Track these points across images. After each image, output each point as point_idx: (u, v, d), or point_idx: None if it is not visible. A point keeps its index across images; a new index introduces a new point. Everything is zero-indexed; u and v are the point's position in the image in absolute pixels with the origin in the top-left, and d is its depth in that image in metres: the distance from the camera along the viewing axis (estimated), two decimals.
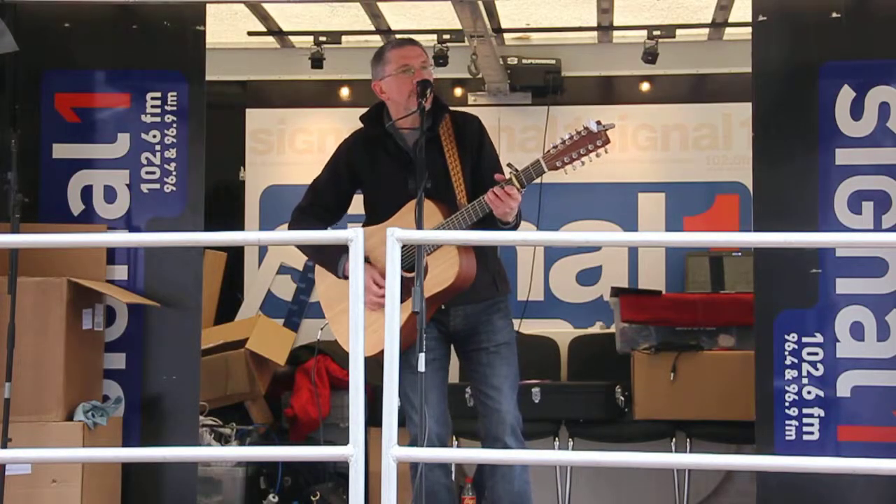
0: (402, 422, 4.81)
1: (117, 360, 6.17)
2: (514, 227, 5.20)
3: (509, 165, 5.12)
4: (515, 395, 5.31)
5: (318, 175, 5.52)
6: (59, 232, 5.85)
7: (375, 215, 5.33)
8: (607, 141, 5.00)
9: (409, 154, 5.26)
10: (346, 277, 5.10)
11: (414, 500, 4.85)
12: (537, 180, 5.11)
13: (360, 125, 5.51)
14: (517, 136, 8.23)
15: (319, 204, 5.45)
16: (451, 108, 5.42)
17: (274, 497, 7.30)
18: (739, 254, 7.68)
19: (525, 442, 5.37)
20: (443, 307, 5.24)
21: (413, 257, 4.89)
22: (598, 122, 5.01)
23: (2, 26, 5.89)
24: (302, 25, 7.96)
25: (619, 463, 5.23)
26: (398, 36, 7.87)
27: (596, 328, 8.04)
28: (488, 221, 5.13)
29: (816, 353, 5.93)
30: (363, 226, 5.34)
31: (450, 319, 5.30)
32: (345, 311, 5.18)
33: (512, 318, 5.47)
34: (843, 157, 5.98)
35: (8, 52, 5.96)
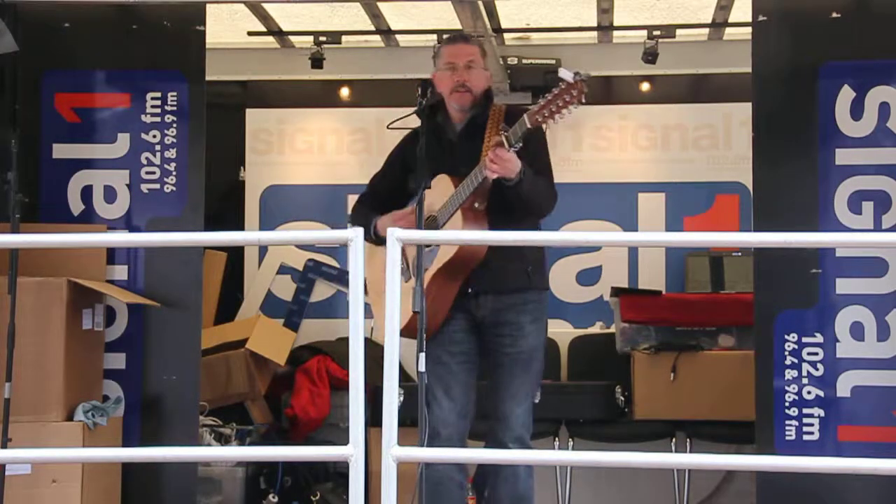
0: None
1: (117, 360, 6.17)
2: (519, 185, 5.15)
3: (500, 130, 5.16)
4: (530, 401, 5.29)
5: (379, 169, 5.68)
6: (59, 232, 5.84)
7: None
8: (582, 91, 4.98)
9: (454, 142, 5.35)
10: (377, 237, 5.22)
11: (418, 494, 4.85)
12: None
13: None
14: None
15: (375, 195, 5.58)
16: (510, 104, 5.49)
17: (274, 497, 7.30)
18: (739, 254, 7.68)
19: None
20: (469, 290, 5.24)
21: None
22: (575, 73, 5.01)
23: (2, 26, 5.89)
24: (302, 25, 7.96)
25: (619, 463, 5.24)
26: (399, 34, 7.91)
27: (596, 328, 8.04)
28: (498, 188, 5.15)
29: (816, 353, 5.93)
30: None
31: (479, 307, 5.28)
32: (380, 295, 5.30)
33: (546, 317, 5.45)
34: (843, 157, 5.97)
35: (8, 53, 5.96)
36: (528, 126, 5.03)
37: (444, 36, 5.67)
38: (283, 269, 8.37)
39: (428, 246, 5.14)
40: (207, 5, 6.32)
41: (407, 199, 5.43)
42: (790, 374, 5.93)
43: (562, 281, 8.15)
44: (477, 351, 5.34)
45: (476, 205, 5.19)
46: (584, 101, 5.01)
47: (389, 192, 5.53)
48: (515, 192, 5.14)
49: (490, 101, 5.44)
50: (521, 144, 5.06)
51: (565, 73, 4.99)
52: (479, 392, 5.39)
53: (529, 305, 5.32)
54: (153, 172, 6.26)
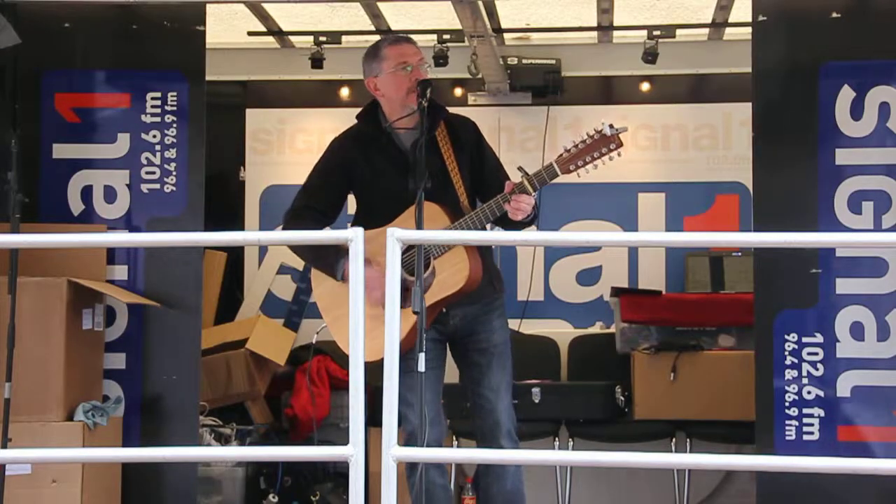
0: (398, 421, 4.80)
1: (117, 360, 6.17)
2: (532, 221, 5.18)
3: (520, 169, 5.09)
4: (510, 395, 5.29)
5: (309, 176, 5.43)
6: (59, 232, 5.85)
7: (371, 218, 5.14)
8: (620, 144, 5.01)
9: (407, 155, 5.20)
10: (345, 280, 5.08)
11: (414, 501, 4.85)
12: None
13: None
14: (517, 136, 8.23)
15: (312, 206, 5.36)
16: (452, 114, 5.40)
17: (274, 497, 7.31)
18: (739, 254, 7.68)
19: (522, 442, 5.37)
20: (444, 310, 5.23)
21: (414, 261, 4.86)
22: (612, 126, 5.01)
23: (2, 21, 5.88)
24: (302, 25, 7.96)
25: (619, 463, 5.24)
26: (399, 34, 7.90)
27: (596, 328, 8.03)
28: (504, 222, 5.13)
29: (816, 353, 5.93)
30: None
31: (449, 320, 5.26)
32: (343, 316, 5.19)
33: (506, 316, 5.45)
34: (843, 157, 5.98)
35: (9, 48, 5.95)
36: (559, 174, 5.04)
37: (383, 38, 5.56)
38: (283, 269, 8.36)
39: (436, 253, 5.13)
40: (207, 5, 6.32)
41: (339, 212, 5.40)
42: (790, 374, 5.93)
43: (562, 281, 8.16)
44: (444, 360, 5.34)
45: None
46: (620, 154, 5.04)
47: (329, 205, 5.37)
48: (521, 227, 5.16)
49: (436, 108, 5.26)
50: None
51: (605, 126, 5.00)
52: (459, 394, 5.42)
53: (493, 306, 5.34)
54: (153, 172, 6.26)
